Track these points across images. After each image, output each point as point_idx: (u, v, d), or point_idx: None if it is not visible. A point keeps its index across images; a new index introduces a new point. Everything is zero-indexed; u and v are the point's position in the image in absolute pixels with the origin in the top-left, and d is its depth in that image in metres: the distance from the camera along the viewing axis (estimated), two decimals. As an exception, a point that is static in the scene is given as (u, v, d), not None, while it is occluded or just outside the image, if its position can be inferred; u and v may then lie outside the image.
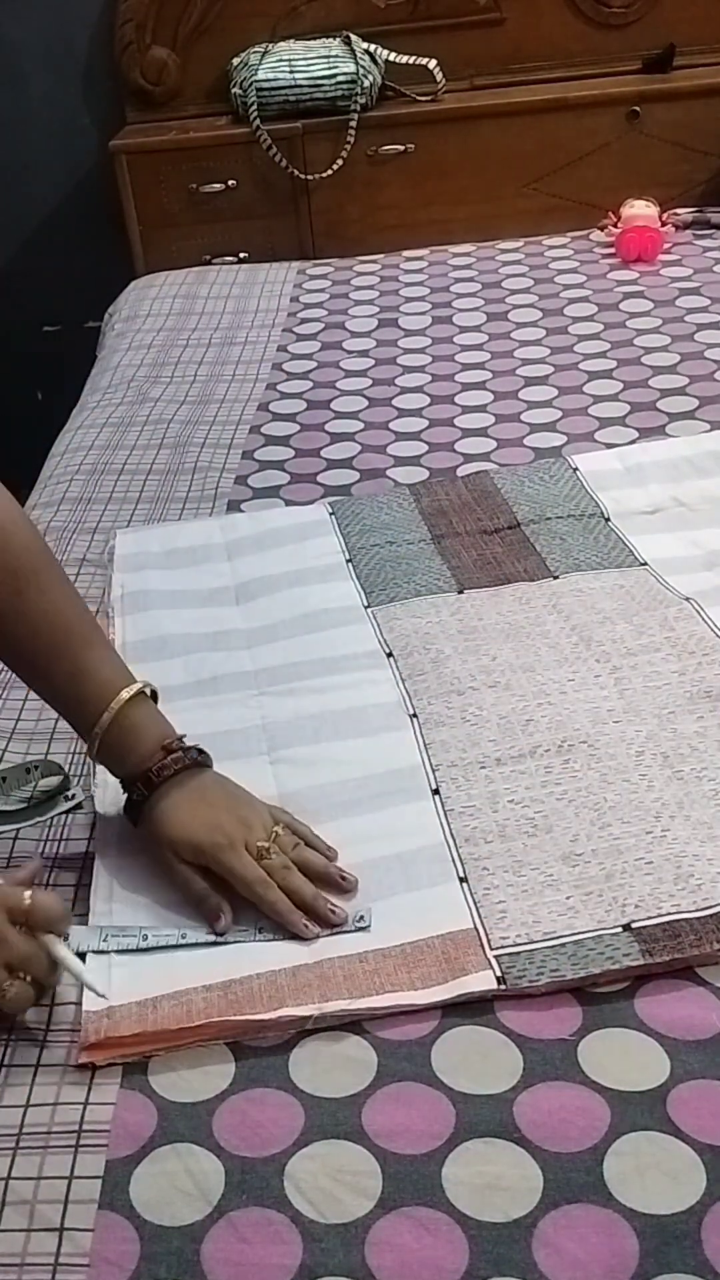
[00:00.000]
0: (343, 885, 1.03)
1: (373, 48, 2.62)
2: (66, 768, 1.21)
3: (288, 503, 1.67)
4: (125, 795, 1.09)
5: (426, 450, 1.77)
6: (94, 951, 0.99)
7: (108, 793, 1.14)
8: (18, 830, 1.14)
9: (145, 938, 1.00)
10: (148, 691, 1.10)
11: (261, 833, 1.04)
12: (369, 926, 0.99)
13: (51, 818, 1.15)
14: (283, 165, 2.61)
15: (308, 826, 1.08)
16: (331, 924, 1.00)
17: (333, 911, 1.00)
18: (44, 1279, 0.78)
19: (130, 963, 0.98)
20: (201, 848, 1.03)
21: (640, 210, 2.42)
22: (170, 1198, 0.82)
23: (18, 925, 0.92)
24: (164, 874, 1.05)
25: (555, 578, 1.41)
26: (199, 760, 1.08)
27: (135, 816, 1.08)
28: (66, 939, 0.96)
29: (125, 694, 1.07)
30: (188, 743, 1.09)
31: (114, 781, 1.11)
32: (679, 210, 2.51)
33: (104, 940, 1.00)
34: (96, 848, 1.11)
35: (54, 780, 1.19)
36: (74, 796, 1.17)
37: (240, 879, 1.01)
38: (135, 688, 1.08)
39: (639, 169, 2.58)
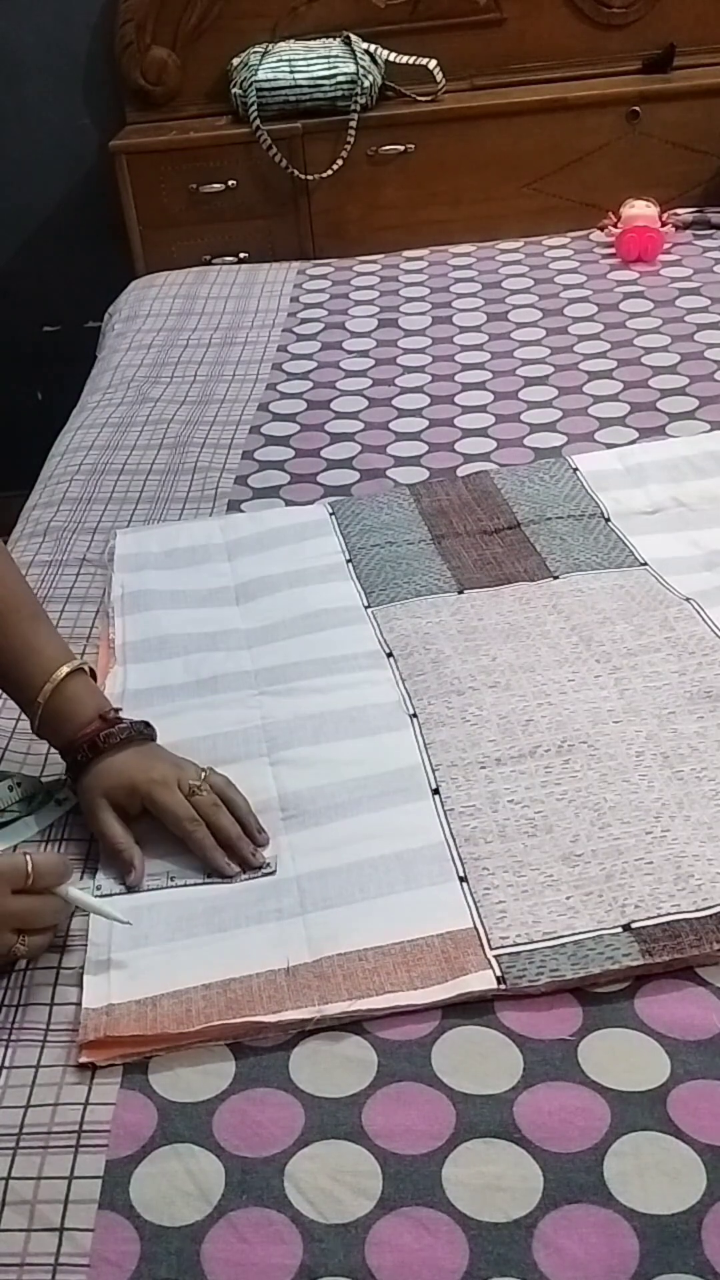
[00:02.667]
0: (257, 838, 1.09)
1: (373, 48, 2.62)
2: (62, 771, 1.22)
3: (288, 503, 1.67)
4: (66, 760, 1.14)
5: (426, 450, 1.77)
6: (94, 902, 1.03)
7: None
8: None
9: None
10: (86, 669, 1.17)
11: (193, 771, 1.11)
12: (274, 872, 1.06)
13: (50, 825, 1.15)
14: (283, 165, 2.61)
15: (237, 789, 1.13)
16: (250, 865, 1.06)
17: (253, 855, 1.07)
18: (44, 1279, 0.79)
19: (130, 961, 0.98)
20: (136, 785, 1.09)
21: (640, 210, 2.42)
22: (170, 1198, 0.82)
23: (22, 892, 0.96)
24: (87, 819, 1.11)
25: (555, 578, 1.41)
26: (143, 733, 1.14)
27: (75, 778, 1.13)
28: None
29: (65, 668, 1.14)
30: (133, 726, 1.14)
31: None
32: (679, 210, 2.50)
33: (97, 890, 1.06)
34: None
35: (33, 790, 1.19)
36: (65, 800, 1.17)
37: (170, 814, 1.08)
38: (75, 663, 1.16)
39: (639, 169, 2.58)
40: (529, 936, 0.97)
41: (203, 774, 1.11)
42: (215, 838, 1.07)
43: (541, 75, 2.70)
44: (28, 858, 0.96)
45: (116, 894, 1.05)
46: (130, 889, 1.05)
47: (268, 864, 1.07)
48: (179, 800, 1.08)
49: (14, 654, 1.15)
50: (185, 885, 1.06)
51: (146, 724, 1.15)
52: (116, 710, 1.15)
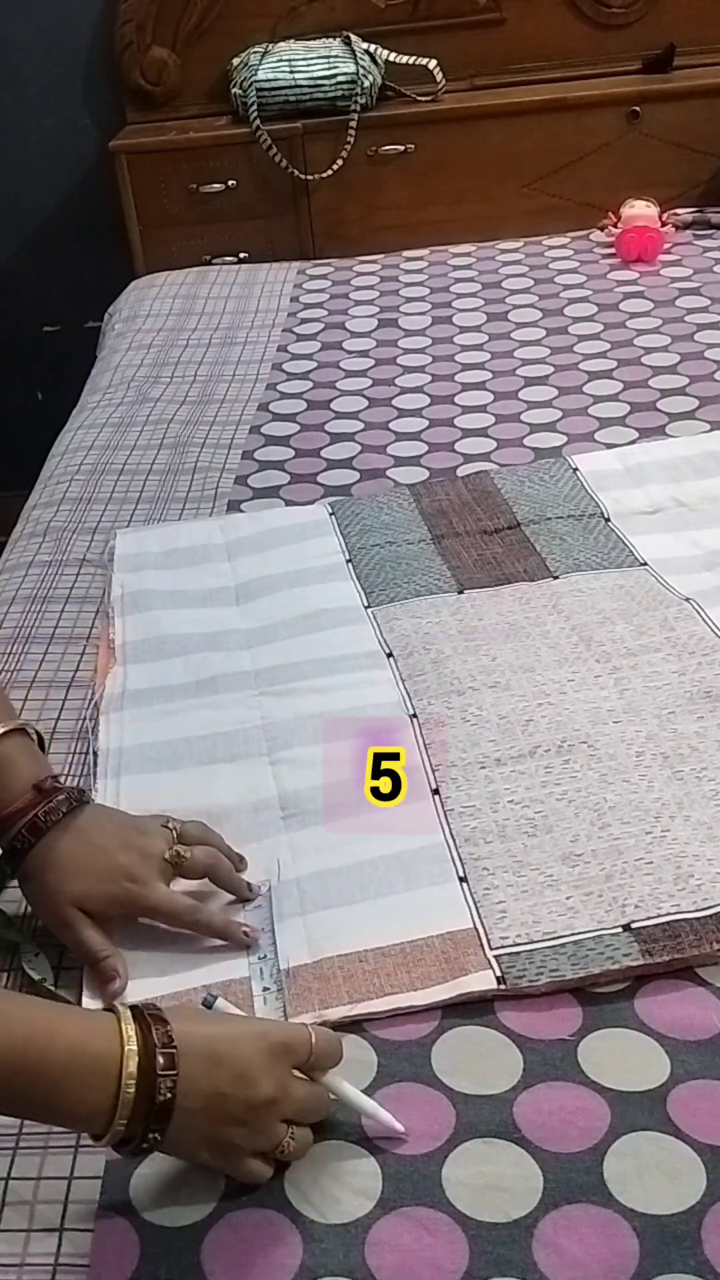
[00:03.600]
0: (239, 868, 1.05)
1: (373, 48, 2.62)
2: (63, 774, 1.20)
3: (288, 503, 1.67)
4: (4, 846, 1.01)
5: (426, 450, 1.77)
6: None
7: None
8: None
9: None
10: (30, 733, 1.06)
11: (164, 847, 1.00)
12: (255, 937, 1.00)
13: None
14: (283, 165, 2.61)
15: (199, 823, 1.05)
16: (252, 898, 1.03)
17: (248, 888, 1.03)
18: (44, 1279, 0.79)
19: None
20: (117, 899, 0.98)
21: (640, 210, 2.42)
22: (170, 1198, 0.82)
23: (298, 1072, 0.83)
24: (54, 929, 1.00)
25: (555, 578, 1.41)
26: (81, 799, 1.02)
27: (16, 866, 1.01)
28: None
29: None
30: (69, 783, 1.05)
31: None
32: (679, 210, 2.50)
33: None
34: None
35: None
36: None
37: (167, 915, 0.99)
38: (11, 724, 1.04)
39: (639, 169, 2.58)
40: (529, 936, 0.97)
41: (172, 833, 1.02)
42: (219, 882, 1.02)
43: (541, 75, 2.70)
44: (310, 1030, 0.83)
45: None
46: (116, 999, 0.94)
47: (260, 889, 1.04)
48: (169, 896, 0.99)
49: None
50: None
51: (81, 790, 1.03)
52: (54, 777, 1.03)
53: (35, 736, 1.07)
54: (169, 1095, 0.75)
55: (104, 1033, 0.76)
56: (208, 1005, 0.86)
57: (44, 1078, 0.74)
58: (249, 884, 1.04)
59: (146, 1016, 0.77)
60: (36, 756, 1.05)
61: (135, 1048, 0.75)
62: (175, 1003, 0.89)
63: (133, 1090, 0.74)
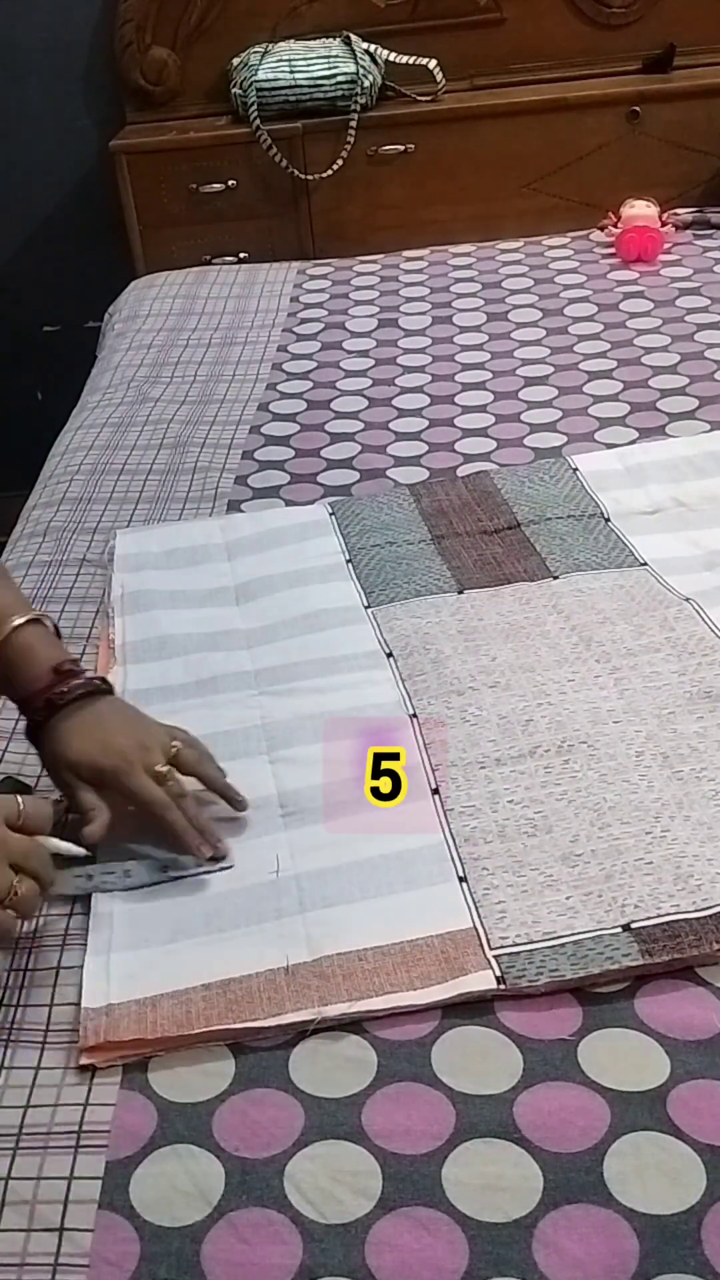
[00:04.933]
0: (235, 802, 1.11)
1: (373, 48, 2.62)
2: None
3: (288, 503, 1.67)
4: (25, 719, 1.12)
5: (426, 450, 1.77)
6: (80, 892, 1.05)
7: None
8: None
9: (128, 873, 1.06)
10: (47, 624, 1.14)
11: (160, 755, 1.08)
12: (231, 867, 1.07)
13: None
14: (283, 165, 2.61)
15: (203, 746, 1.13)
16: (218, 853, 1.07)
17: (219, 843, 1.07)
18: (44, 1279, 0.79)
19: (130, 961, 0.99)
20: (103, 770, 1.07)
21: (640, 210, 2.42)
22: (170, 1198, 0.82)
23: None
24: (59, 789, 1.10)
25: (555, 578, 1.41)
26: (100, 687, 1.11)
27: (35, 738, 1.11)
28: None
29: (16, 619, 1.11)
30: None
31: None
32: (679, 210, 2.50)
33: (90, 879, 1.05)
34: None
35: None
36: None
37: (142, 801, 1.07)
38: (29, 614, 1.12)
39: (639, 169, 2.58)
40: (529, 936, 0.97)
41: (171, 749, 1.09)
42: (209, 784, 1.10)
43: (541, 75, 2.70)
44: (18, 798, 0.97)
45: (115, 890, 1.05)
46: (89, 847, 1.05)
47: (227, 859, 1.07)
48: (148, 785, 1.07)
49: None
50: (178, 877, 1.06)
51: (103, 679, 1.13)
52: (74, 660, 1.12)
53: (53, 627, 1.15)
54: None
55: None
56: None
57: None
58: (237, 793, 1.11)
59: None
60: (55, 643, 1.14)
61: None
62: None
63: None
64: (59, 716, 1.09)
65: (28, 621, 1.11)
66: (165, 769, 1.08)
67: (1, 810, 0.96)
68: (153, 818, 1.07)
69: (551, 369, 1.96)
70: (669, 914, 0.97)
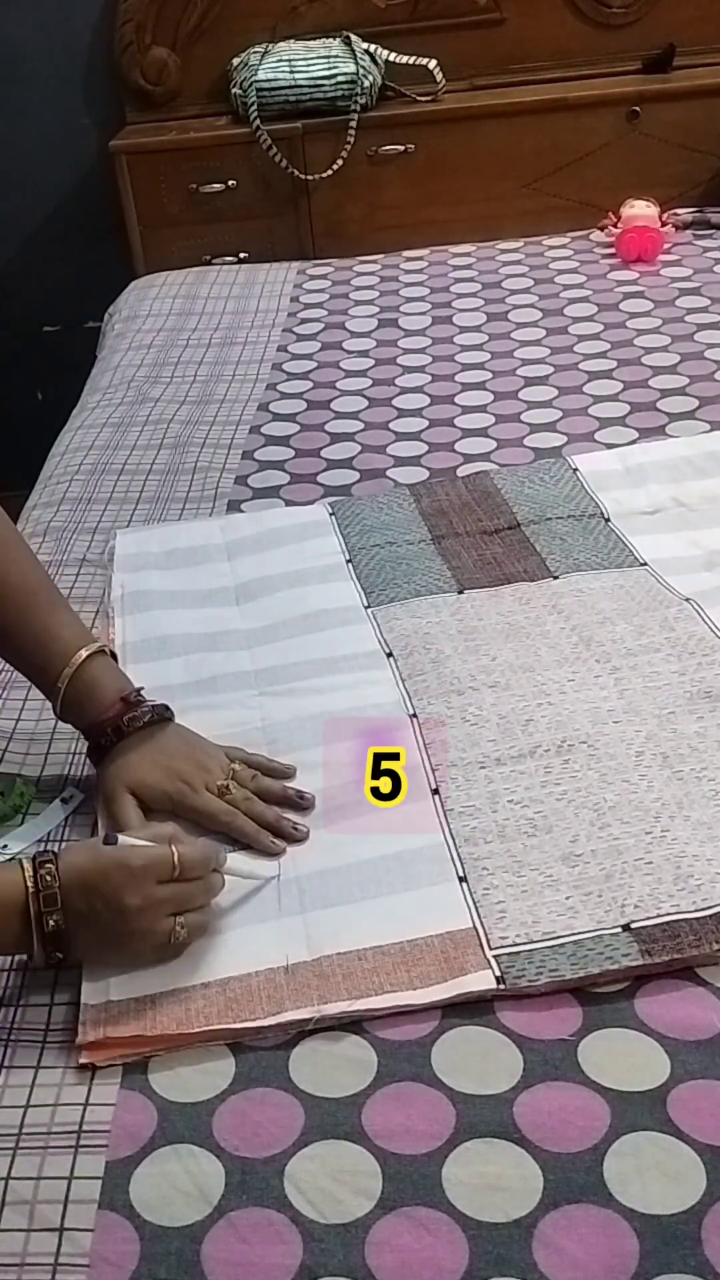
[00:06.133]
0: (300, 804, 1.13)
1: (373, 48, 2.62)
2: (65, 768, 1.21)
3: (288, 503, 1.67)
4: (89, 742, 1.16)
5: (426, 450, 1.77)
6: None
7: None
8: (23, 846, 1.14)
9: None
10: (107, 651, 1.19)
11: (220, 774, 1.13)
12: (306, 834, 1.09)
13: (58, 824, 1.15)
14: (283, 165, 2.61)
15: (261, 755, 1.17)
16: (296, 839, 1.09)
17: (296, 829, 1.10)
18: (44, 1279, 0.79)
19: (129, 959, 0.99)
20: (168, 794, 1.11)
21: (640, 210, 2.42)
22: (170, 1198, 0.82)
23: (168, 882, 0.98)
24: (103, 804, 1.12)
25: (555, 578, 1.41)
26: (164, 715, 1.16)
27: (97, 760, 1.15)
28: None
29: (84, 652, 1.15)
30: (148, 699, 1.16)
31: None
32: (679, 210, 2.50)
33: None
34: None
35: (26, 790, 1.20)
36: (71, 798, 1.17)
37: (206, 815, 1.10)
38: (94, 646, 1.17)
39: (639, 169, 2.58)
40: (528, 936, 0.97)
41: (230, 769, 1.13)
42: (267, 798, 1.12)
43: (541, 75, 2.70)
44: (174, 850, 0.97)
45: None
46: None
47: (305, 829, 1.10)
48: (210, 800, 1.11)
49: (34, 639, 1.16)
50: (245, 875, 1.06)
51: (166, 706, 1.16)
52: (139, 691, 1.17)
53: (114, 655, 1.21)
54: (56, 922, 0.94)
55: (12, 882, 0.95)
56: (109, 843, 0.97)
57: None
58: (300, 792, 1.14)
59: (37, 863, 0.96)
60: (120, 674, 1.19)
61: (32, 889, 0.95)
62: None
63: (31, 922, 0.95)
64: (125, 743, 1.13)
65: (95, 653, 1.16)
66: (225, 783, 1.12)
67: (155, 872, 0.96)
68: (222, 829, 1.10)
69: (551, 369, 1.96)
70: (669, 914, 0.97)
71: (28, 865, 0.96)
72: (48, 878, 0.95)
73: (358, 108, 2.58)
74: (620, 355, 1.97)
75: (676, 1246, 0.77)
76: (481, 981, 0.94)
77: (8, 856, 1.10)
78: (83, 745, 1.18)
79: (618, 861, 1.02)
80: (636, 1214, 0.79)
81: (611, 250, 2.39)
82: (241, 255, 2.66)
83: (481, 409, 1.86)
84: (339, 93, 2.58)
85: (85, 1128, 0.87)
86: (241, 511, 1.66)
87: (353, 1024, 0.92)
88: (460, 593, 1.41)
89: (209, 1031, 0.92)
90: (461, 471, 1.69)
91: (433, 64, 2.64)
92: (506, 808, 1.10)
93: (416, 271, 2.42)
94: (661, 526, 1.51)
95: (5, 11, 2.76)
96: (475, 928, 0.98)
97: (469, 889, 1.02)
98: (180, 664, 1.35)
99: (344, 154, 2.60)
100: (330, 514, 1.59)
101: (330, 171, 2.62)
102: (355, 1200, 0.81)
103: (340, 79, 2.57)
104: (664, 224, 2.43)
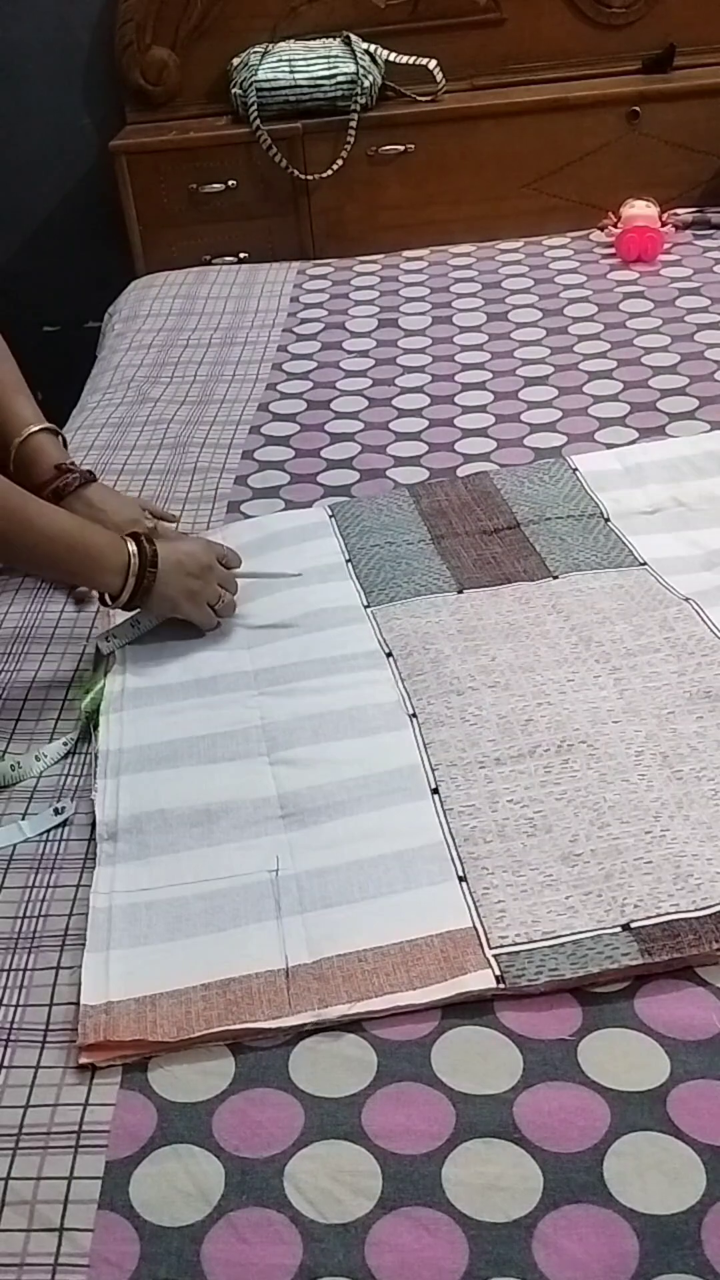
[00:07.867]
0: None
1: (373, 48, 2.62)
2: (61, 780, 1.21)
3: (288, 503, 1.67)
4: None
5: (426, 450, 1.77)
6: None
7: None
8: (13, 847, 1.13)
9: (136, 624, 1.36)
10: (56, 432, 1.51)
11: (211, 590, 1.37)
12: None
13: (44, 833, 1.14)
14: (283, 165, 2.61)
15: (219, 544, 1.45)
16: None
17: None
18: (44, 1279, 0.79)
19: (129, 959, 0.99)
20: (192, 589, 1.36)
21: (640, 210, 2.42)
22: (170, 1198, 0.82)
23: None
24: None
25: (555, 578, 1.41)
26: (90, 479, 1.49)
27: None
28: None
29: (34, 428, 1.48)
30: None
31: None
32: (679, 210, 2.50)
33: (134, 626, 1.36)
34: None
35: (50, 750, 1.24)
36: (63, 810, 1.16)
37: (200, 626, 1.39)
38: (44, 425, 1.50)
39: (639, 169, 2.58)
40: (528, 936, 0.97)
41: (219, 594, 1.39)
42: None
43: (541, 75, 2.70)
44: (221, 541, 1.44)
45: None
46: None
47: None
48: (209, 615, 1.38)
49: None
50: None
51: (89, 472, 1.49)
52: (71, 462, 1.48)
53: (59, 435, 1.53)
54: (152, 571, 1.32)
55: (118, 541, 1.32)
56: None
57: (89, 554, 1.30)
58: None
59: (142, 538, 1.33)
60: (60, 448, 1.51)
61: (133, 548, 1.31)
62: None
63: (135, 560, 1.31)
64: (65, 503, 1.42)
65: (41, 430, 1.48)
66: (216, 604, 1.39)
67: (214, 550, 1.39)
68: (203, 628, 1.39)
69: (551, 369, 1.96)
70: (668, 913, 0.97)
71: (130, 541, 1.31)
72: (149, 546, 1.31)
73: (358, 108, 2.58)
74: (620, 355, 1.97)
75: (676, 1246, 0.77)
76: (481, 981, 0.94)
77: None
78: (85, 745, 1.18)
79: (617, 861, 1.02)
80: (636, 1214, 0.79)
81: (611, 250, 2.39)
82: (241, 255, 2.66)
83: (481, 409, 1.86)
84: (339, 93, 2.58)
85: (85, 1128, 0.87)
86: (241, 512, 1.66)
87: (352, 1024, 0.92)
88: (460, 592, 1.41)
89: (209, 1035, 0.92)
90: (461, 471, 1.69)
91: (433, 64, 2.64)
92: (506, 807, 1.10)
93: (416, 271, 2.42)
94: (661, 526, 1.51)
95: (5, 11, 2.76)
96: (475, 927, 0.98)
97: (469, 889, 1.02)
98: (180, 664, 1.35)
99: (344, 154, 2.60)
100: (330, 516, 1.59)
101: (330, 171, 2.62)
102: (355, 1200, 0.81)
103: (340, 79, 2.57)
104: (664, 224, 2.43)
